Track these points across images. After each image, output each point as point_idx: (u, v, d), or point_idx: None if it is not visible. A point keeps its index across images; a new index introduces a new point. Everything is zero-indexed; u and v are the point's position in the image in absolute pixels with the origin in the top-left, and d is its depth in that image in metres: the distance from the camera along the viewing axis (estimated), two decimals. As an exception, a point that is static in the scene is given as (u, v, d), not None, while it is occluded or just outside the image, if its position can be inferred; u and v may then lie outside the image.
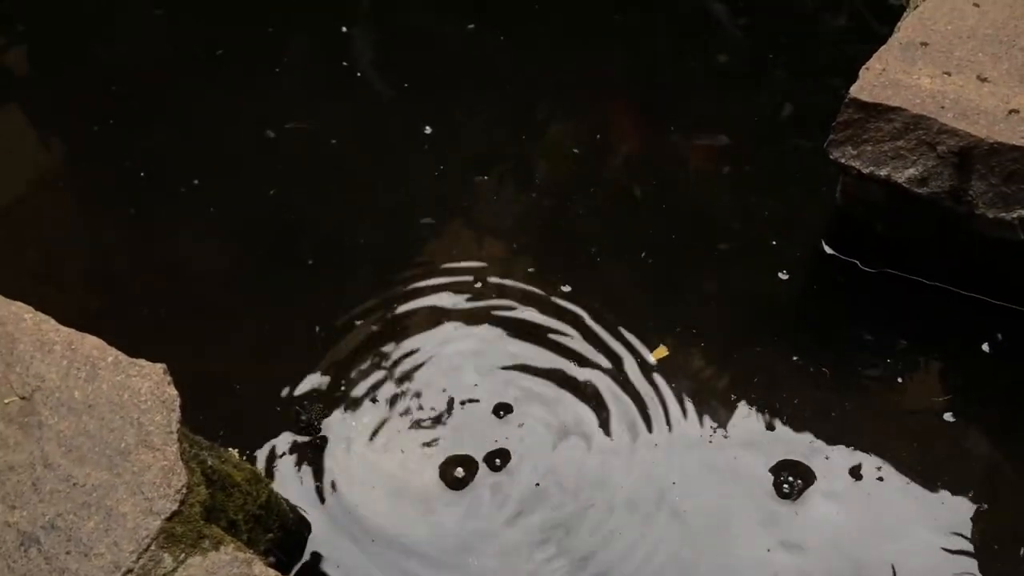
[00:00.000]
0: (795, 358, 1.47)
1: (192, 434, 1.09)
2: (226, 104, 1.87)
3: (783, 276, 1.58)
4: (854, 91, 1.39)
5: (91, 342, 1.09)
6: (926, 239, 1.48)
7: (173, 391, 1.04)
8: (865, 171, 1.41)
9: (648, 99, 1.89)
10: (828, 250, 1.59)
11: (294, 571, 1.23)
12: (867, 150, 1.40)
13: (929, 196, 1.39)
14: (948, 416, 1.40)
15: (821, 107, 1.71)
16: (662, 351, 1.48)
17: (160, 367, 1.06)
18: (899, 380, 1.45)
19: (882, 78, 1.40)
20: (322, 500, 1.32)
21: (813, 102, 1.83)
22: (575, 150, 1.79)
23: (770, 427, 1.40)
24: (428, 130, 1.80)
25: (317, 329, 1.52)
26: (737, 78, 1.89)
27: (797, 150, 1.77)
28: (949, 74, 1.41)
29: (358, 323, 1.52)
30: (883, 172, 1.40)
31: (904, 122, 1.37)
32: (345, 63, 1.93)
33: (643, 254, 1.62)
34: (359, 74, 1.91)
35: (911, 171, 1.38)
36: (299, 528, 1.25)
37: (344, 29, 1.98)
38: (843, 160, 1.42)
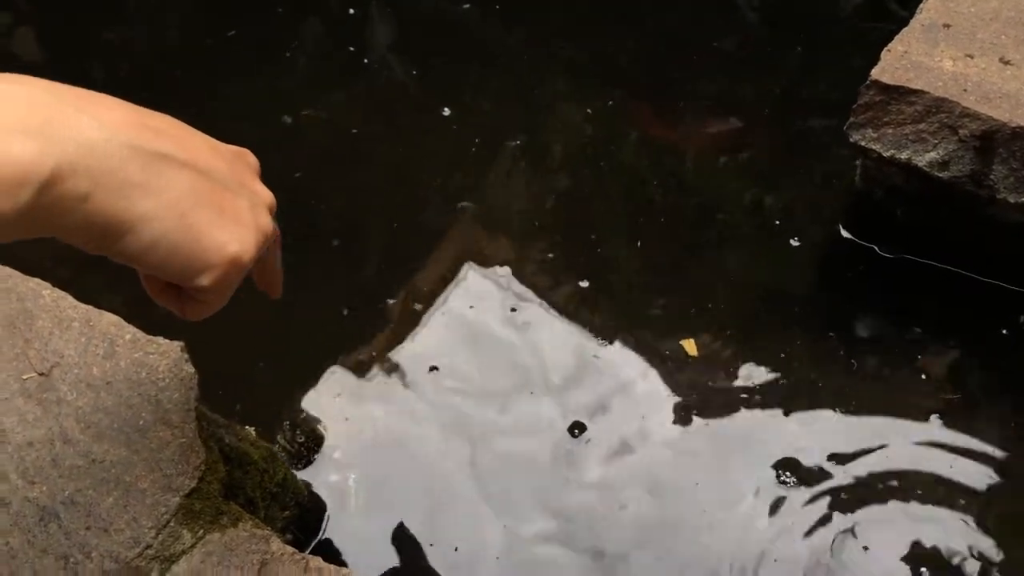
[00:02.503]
0: (809, 343, 1.47)
1: (210, 412, 1.09)
2: (240, 89, 1.86)
3: (798, 260, 1.57)
4: (875, 73, 1.38)
5: (109, 319, 1.09)
6: (946, 224, 1.47)
7: (191, 369, 1.04)
8: (885, 154, 1.40)
9: (661, 82, 1.87)
10: (845, 234, 1.58)
11: (310, 548, 1.23)
12: (888, 133, 1.39)
13: (950, 180, 1.38)
14: (963, 402, 1.39)
15: (838, 89, 1.70)
16: (691, 342, 1.47)
17: (178, 345, 1.06)
18: (915, 366, 1.44)
19: (904, 60, 1.39)
20: (339, 479, 1.32)
21: (830, 84, 1.82)
22: (588, 133, 1.78)
23: (782, 414, 1.39)
24: (447, 112, 1.80)
25: (344, 311, 1.52)
26: (751, 60, 1.88)
27: (813, 133, 1.76)
28: (972, 57, 1.40)
29: (384, 305, 1.52)
30: (904, 155, 1.39)
31: (926, 105, 1.36)
32: (359, 47, 1.92)
33: (655, 239, 1.62)
34: (374, 57, 1.91)
35: (932, 155, 1.37)
36: (315, 506, 1.25)
37: (357, 12, 1.97)
38: (863, 143, 1.41)
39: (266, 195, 0.82)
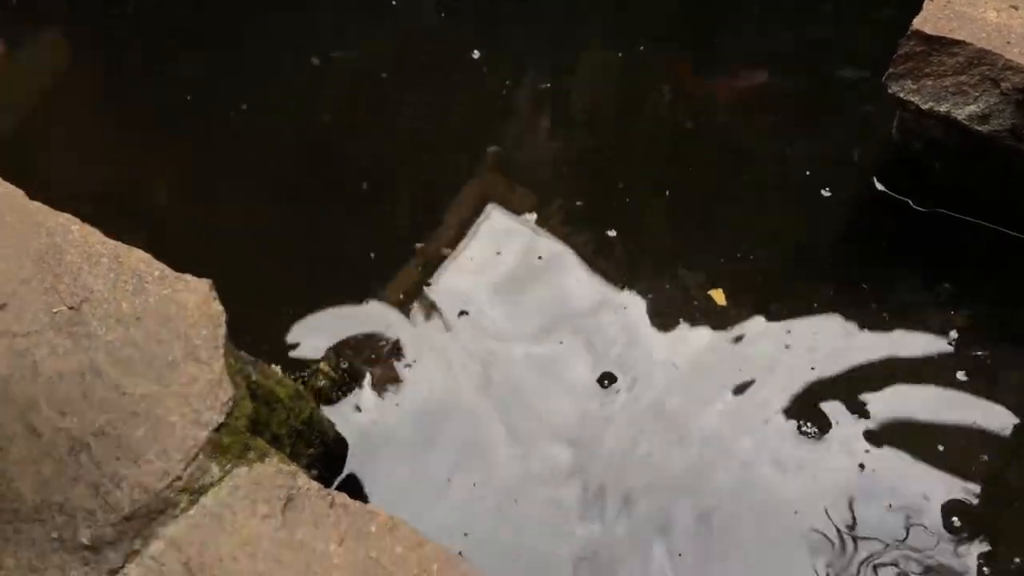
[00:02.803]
0: (839, 295, 1.45)
1: (237, 350, 1.10)
2: (268, 32, 1.85)
3: (830, 212, 1.55)
4: (917, 23, 1.34)
5: (137, 255, 1.09)
6: (983, 179, 1.44)
7: (219, 306, 1.05)
8: (924, 107, 1.37)
9: (693, 31, 1.84)
10: (879, 187, 1.56)
11: (334, 485, 1.25)
12: (927, 85, 1.36)
13: (989, 134, 1.35)
14: (990, 359, 1.38)
15: (872, 40, 1.67)
16: (719, 293, 1.46)
17: (206, 282, 1.07)
18: (944, 321, 1.42)
19: (947, 10, 1.35)
20: (364, 418, 1.33)
21: (863, 35, 1.78)
22: (618, 80, 1.76)
23: (808, 367, 1.38)
24: (476, 55, 1.78)
25: (372, 255, 1.52)
26: (784, 11, 1.84)
27: (847, 85, 1.73)
28: (1016, 8, 1.36)
29: (412, 249, 1.52)
30: (943, 108, 1.36)
31: (968, 57, 1.33)
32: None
33: (684, 189, 1.60)
34: (403, 1, 1.88)
35: (972, 108, 1.34)
36: (339, 445, 1.26)
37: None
38: (902, 95, 1.38)
39: None
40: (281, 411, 1.10)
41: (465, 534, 1.23)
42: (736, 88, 1.75)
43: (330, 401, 1.30)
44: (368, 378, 1.36)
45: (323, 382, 1.29)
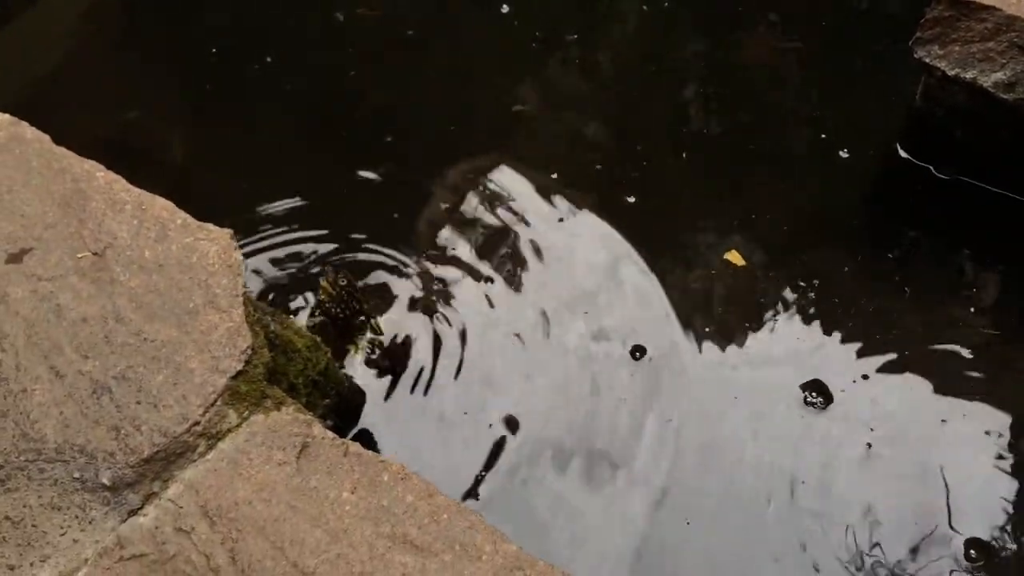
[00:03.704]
0: (858, 261, 1.45)
1: (256, 300, 1.12)
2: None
3: (852, 177, 1.55)
4: (946, -13, 1.33)
5: (161, 203, 1.11)
6: (1006, 147, 1.43)
7: (239, 256, 1.06)
8: (951, 73, 1.36)
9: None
10: (902, 154, 1.55)
11: (349, 436, 1.27)
12: (954, 51, 1.35)
13: (1015, 102, 1.34)
14: (1008, 326, 1.38)
15: (900, 6, 1.65)
16: (737, 257, 1.46)
17: (227, 232, 1.08)
18: (962, 292, 1.42)
19: (977, -26, 1.34)
20: (379, 371, 1.34)
21: (892, 1, 1.76)
22: (646, 47, 1.75)
23: (822, 332, 1.39)
24: (505, 8, 1.77)
25: (395, 215, 1.52)
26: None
27: (874, 50, 1.71)
28: (1050, -27, 1.34)
29: (436, 208, 1.53)
30: (969, 75, 1.35)
31: (996, 23, 1.31)
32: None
33: (705, 151, 1.59)
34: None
35: (999, 75, 1.33)
36: (354, 396, 1.28)
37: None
38: (928, 60, 1.37)
39: None
40: (298, 361, 1.11)
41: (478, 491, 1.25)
42: (763, 49, 1.74)
43: (329, 315, 1.29)
44: (387, 342, 1.38)
45: (322, 296, 1.29)
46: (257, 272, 1.43)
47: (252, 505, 0.90)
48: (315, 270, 1.43)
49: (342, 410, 1.23)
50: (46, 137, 1.17)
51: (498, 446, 1.28)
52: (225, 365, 0.97)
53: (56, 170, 1.13)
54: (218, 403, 0.95)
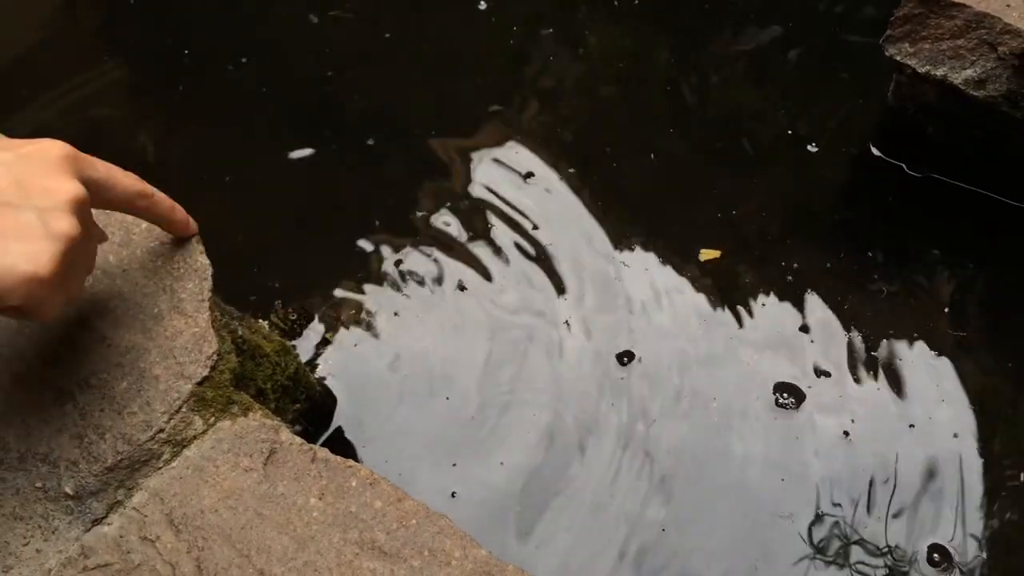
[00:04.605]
0: (832, 260, 1.45)
1: (224, 303, 1.10)
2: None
3: (825, 176, 1.55)
4: (916, -16, 1.33)
5: (126, 207, 1.09)
6: (977, 145, 1.43)
7: (205, 260, 1.05)
8: (921, 70, 1.36)
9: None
10: (875, 152, 1.55)
11: (320, 441, 1.26)
12: (925, 48, 1.35)
13: (985, 99, 1.34)
14: (980, 326, 1.38)
15: (874, 4, 1.65)
16: (712, 252, 1.46)
17: (193, 236, 1.06)
18: (933, 291, 1.42)
19: (947, -28, 1.34)
20: (350, 374, 1.33)
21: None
22: (625, 41, 1.74)
23: (797, 330, 1.39)
24: (483, 6, 1.76)
25: (377, 224, 1.51)
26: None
27: (848, 48, 1.71)
28: (1019, -29, 1.34)
29: (412, 216, 1.52)
30: (939, 72, 1.35)
31: (966, 20, 1.31)
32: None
33: (680, 151, 1.59)
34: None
35: (969, 72, 1.33)
36: (325, 400, 1.27)
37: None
38: (899, 57, 1.37)
39: (62, 193, 0.77)
40: (267, 366, 1.10)
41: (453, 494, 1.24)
42: (737, 48, 1.74)
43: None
44: (357, 333, 1.37)
45: (275, 332, 1.29)
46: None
47: (218, 513, 0.89)
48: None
49: (313, 415, 1.22)
50: (8, 140, 1.15)
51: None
52: (190, 371, 0.96)
53: (19, 174, 1.11)
54: (183, 409, 0.94)
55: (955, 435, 1.28)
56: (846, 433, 1.29)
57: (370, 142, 1.61)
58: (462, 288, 1.43)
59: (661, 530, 1.21)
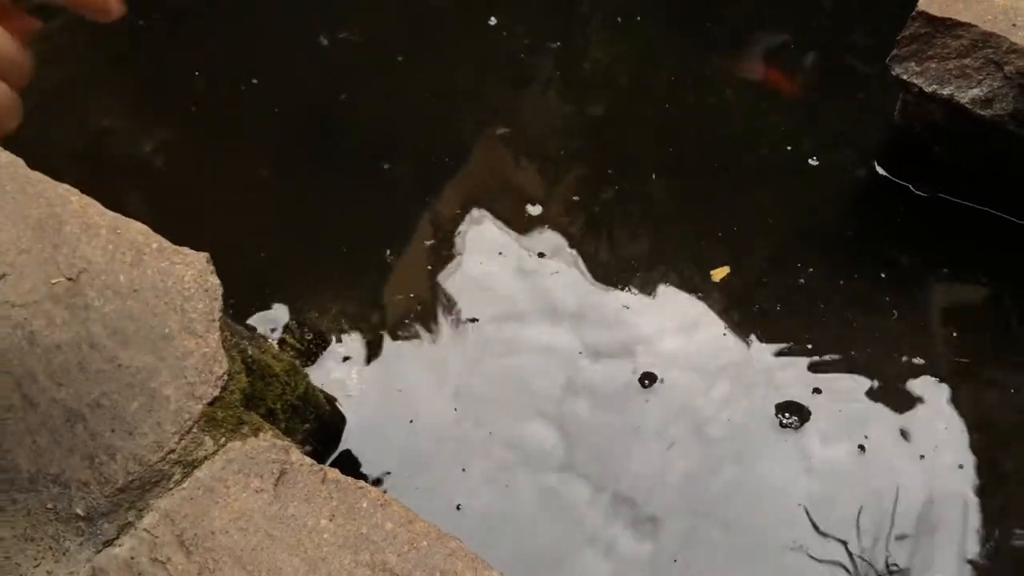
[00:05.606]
0: (837, 280, 1.45)
1: (234, 323, 1.11)
2: (275, 11, 1.84)
3: (831, 196, 1.55)
4: (923, 4, 1.33)
5: (136, 227, 1.09)
6: (985, 164, 1.43)
7: (216, 280, 1.05)
8: (928, 89, 1.36)
9: (699, 9, 1.83)
10: (881, 172, 1.55)
11: (329, 461, 1.26)
12: (931, 67, 1.35)
13: (992, 119, 1.34)
14: (987, 346, 1.38)
15: (882, 25, 1.65)
16: (722, 271, 1.46)
17: (203, 256, 1.07)
18: (939, 313, 1.42)
19: (953, -8, 1.34)
20: (360, 394, 1.33)
21: (874, 20, 1.77)
22: (625, 60, 1.75)
23: (802, 351, 1.38)
24: (493, 21, 1.78)
25: (388, 253, 1.51)
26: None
27: (854, 69, 1.72)
28: (1024, -10, 1.35)
29: (419, 246, 1.52)
30: (946, 91, 1.35)
31: (972, 39, 1.32)
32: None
33: (686, 170, 1.60)
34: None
35: (975, 91, 1.34)
36: (335, 420, 1.27)
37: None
38: (905, 77, 1.38)
39: None
40: (276, 385, 1.10)
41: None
42: (743, 67, 1.74)
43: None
44: (365, 354, 1.37)
45: (291, 352, 1.29)
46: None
47: (229, 534, 0.89)
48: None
49: (322, 434, 1.22)
50: (20, 161, 1.15)
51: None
52: (201, 391, 0.96)
53: (30, 194, 1.11)
54: (194, 430, 0.94)
55: (960, 466, 1.28)
56: (858, 448, 1.28)
57: (386, 166, 1.62)
58: (473, 320, 1.42)
59: (673, 561, 1.21)
